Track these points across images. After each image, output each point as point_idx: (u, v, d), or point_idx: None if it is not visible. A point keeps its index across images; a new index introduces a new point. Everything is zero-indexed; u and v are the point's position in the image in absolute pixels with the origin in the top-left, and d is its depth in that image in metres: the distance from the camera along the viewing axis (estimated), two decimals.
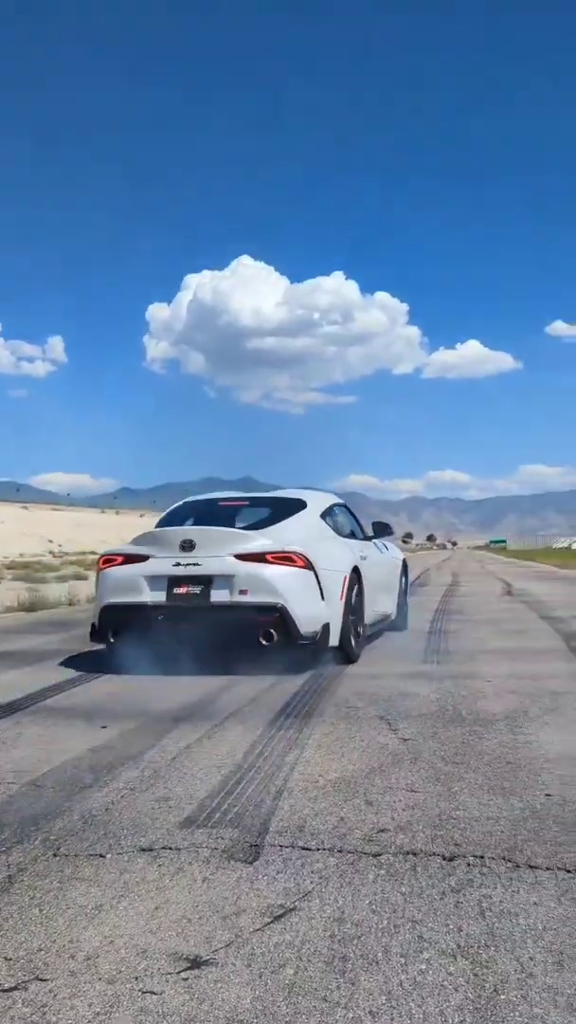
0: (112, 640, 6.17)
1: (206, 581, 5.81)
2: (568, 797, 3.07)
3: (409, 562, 10.20)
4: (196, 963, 1.89)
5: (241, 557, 5.79)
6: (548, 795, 3.10)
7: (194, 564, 5.81)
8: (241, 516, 7.15)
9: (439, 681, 5.59)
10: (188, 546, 5.83)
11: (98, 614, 6.29)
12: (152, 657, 5.82)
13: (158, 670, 5.83)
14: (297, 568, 5.79)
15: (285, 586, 5.72)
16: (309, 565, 5.83)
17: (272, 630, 5.66)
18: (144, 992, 1.77)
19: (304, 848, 2.59)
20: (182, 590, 5.86)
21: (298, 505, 6.81)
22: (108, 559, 6.34)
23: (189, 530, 6.26)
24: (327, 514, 6.99)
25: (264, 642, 5.68)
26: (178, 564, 5.84)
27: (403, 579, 9.03)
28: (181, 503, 7.65)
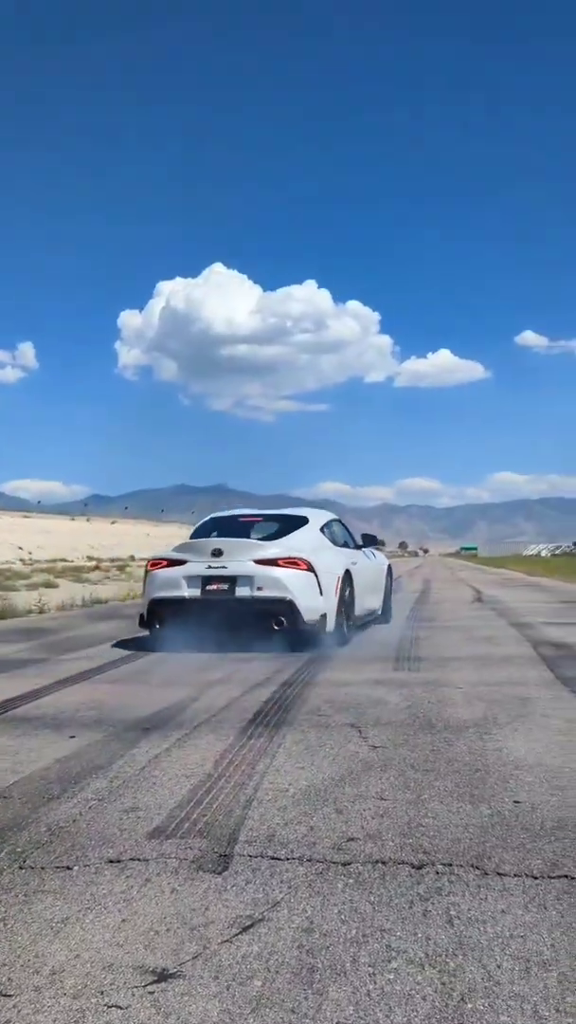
0: (157, 626, 7.82)
1: (232, 580, 7.44)
2: (536, 804, 3.09)
3: None
4: (163, 976, 1.87)
5: (258, 562, 7.45)
6: (516, 802, 3.12)
7: (222, 567, 7.46)
8: (256, 529, 8.94)
9: (409, 688, 5.61)
10: (217, 553, 7.54)
11: (146, 606, 7.92)
12: (187, 638, 7.39)
13: (193, 649, 7.33)
14: (301, 571, 7.41)
15: (292, 584, 7.32)
16: (311, 568, 7.45)
17: (282, 618, 7.28)
18: (109, 1006, 1.75)
19: (273, 858, 2.58)
20: (213, 587, 7.49)
21: (301, 521, 8.57)
22: (155, 563, 8.03)
23: (218, 541, 7.94)
24: (325, 528, 8.70)
25: (276, 627, 7.29)
26: (210, 567, 7.51)
27: (388, 581, 10.60)
28: (208, 519, 9.41)
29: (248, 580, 7.42)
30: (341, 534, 9.30)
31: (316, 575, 7.50)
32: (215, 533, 8.73)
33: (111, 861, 2.58)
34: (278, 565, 7.45)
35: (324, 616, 7.52)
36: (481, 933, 2.06)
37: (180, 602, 7.60)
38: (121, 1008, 1.74)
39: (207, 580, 7.54)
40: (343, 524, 9.54)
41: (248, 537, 8.51)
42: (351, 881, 2.39)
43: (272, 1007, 1.74)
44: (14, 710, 5.10)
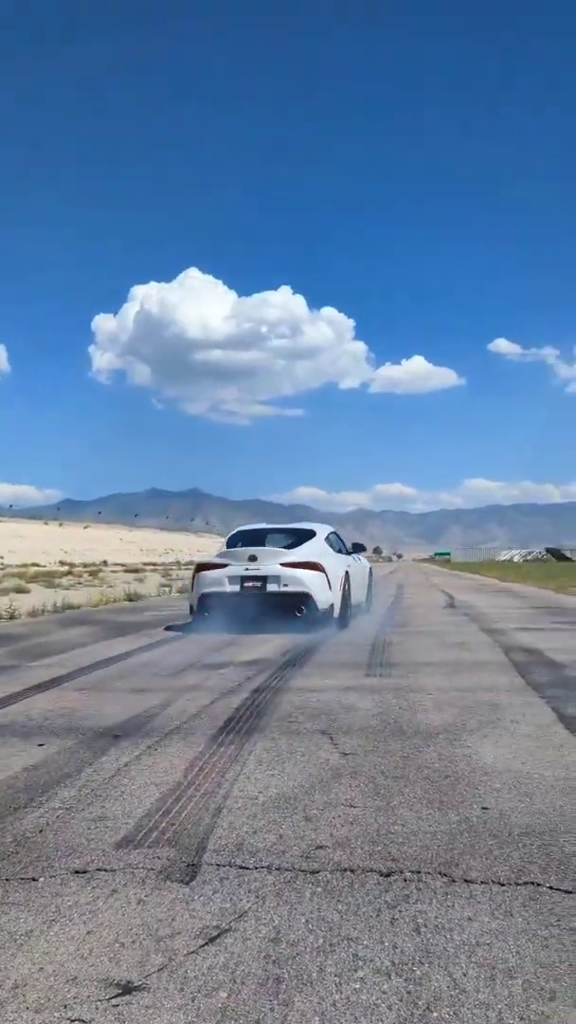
0: (206, 614, 10.03)
1: (264, 579, 9.81)
2: (504, 810, 3.11)
3: None
4: (128, 989, 1.85)
5: (284, 564, 9.83)
6: (485, 808, 3.13)
7: (256, 569, 9.83)
8: (270, 540, 11.18)
9: (381, 694, 5.62)
10: (252, 559, 9.93)
11: (197, 599, 10.17)
12: (229, 623, 9.71)
13: (235, 631, 9.58)
14: (316, 572, 9.81)
15: (310, 582, 9.70)
16: (322, 569, 9.86)
17: (303, 607, 9.65)
18: (73, 1020, 1.73)
19: (242, 867, 2.57)
20: (249, 584, 9.85)
21: (311, 533, 11.03)
22: (202, 566, 10.36)
23: (253, 549, 10.18)
24: (327, 539, 11.21)
25: (298, 614, 9.62)
26: (247, 569, 9.85)
27: (370, 580, 13.52)
28: (236, 531, 11.88)
29: (276, 579, 9.80)
30: (337, 543, 11.73)
31: (326, 575, 9.92)
32: (240, 543, 11.10)
33: (77, 872, 2.55)
34: (299, 567, 9.86)
35: (332, 606, 10.02)
36: (448, 941, 2.07)
37: (224, 596, 9.96)
38: (84, 1022, 1.72)
39: (245, 579, 9.89)
40: (338, 535, 12.01)
41: (264, 545, 10.72)
42: (319, 890, 2.39)
43: (237, 1018, 1.73)
44: None
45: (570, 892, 2.36)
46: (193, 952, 2.02)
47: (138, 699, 5.53)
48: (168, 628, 10.91)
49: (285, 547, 10.58)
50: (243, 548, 10.46)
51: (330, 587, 9.94)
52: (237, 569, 9.96)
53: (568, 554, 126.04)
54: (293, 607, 9.74)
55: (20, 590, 21.00)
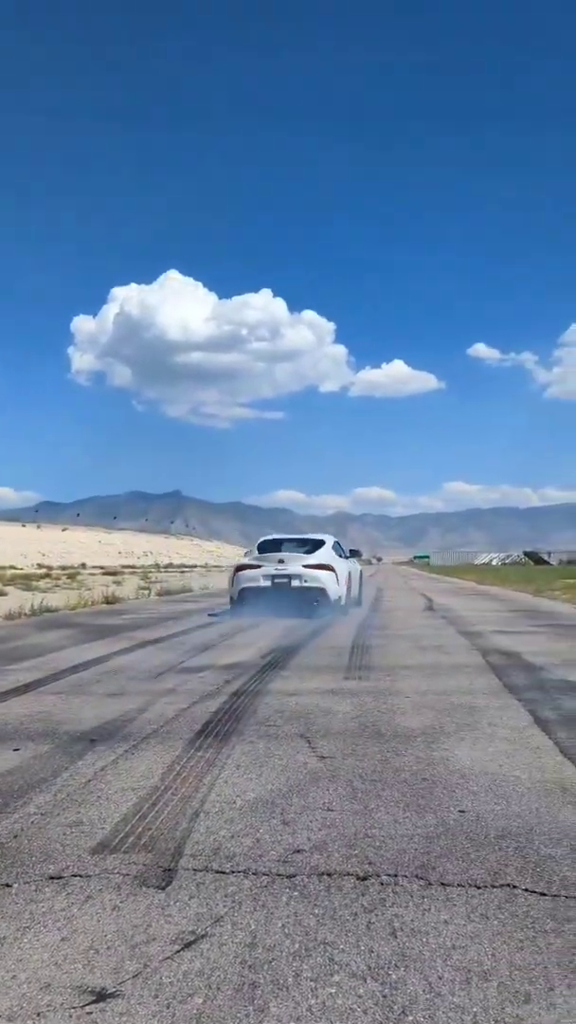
0: (244, 603, 12.66)
1: (289, 577, 12.52)
2: (481, 813, 3.12)
3: None
4: (101, 996, 1.84)
5: (305, 566, 12.58)
6: (462, 811, 3.14)
7: (284, 569, 12.59)
8: (286, 547, 13.68)
9: (359, 697, 5.63)
10: (281, 562, 12.71)
11: (238, 592, 12.82)
12: (261, 610, 12.18)
13: (267, 616, 11.92)
14: (329, 571, 12.66)
15: (324, 580, 12.49)
16: (333, 570, 12.76)
17: (319, 598, 12.36)
18: None
19: (218, 871, 2.56)
20: (279, 581, 12.54)
21: (321, 543, 13.80)
22: (240, 567, 13.19)
23: (282, 555, 13.00)
24: (333, 546, 13.98)
25: (314, 604, 12.25)
26: (276, 569, 12.60)
27: (360, 579, 16.42)
28: (261, 540, 14.27)
29: (299, 577, 12.59)
30: (339, 549, 14.62)
31: (336, 575, 12.88)
32: (269, 549, 13.74)
33: (52, 878, 2.53)
34: (316, 568, 12.72)
35: (340, 597, 12.92)
36: (423, 944, 2.07)
37: (259, 589, 12.72)
38: None
39: (275, 577, 12.67)
40: (339, 543, 14.90)
41: (270, 553, 13.34)
42: (296, 894, 2.39)
43: None
44: None
45: (545, 894, 2.37)
46: (168, 958, 2.01)
47: (116, 703, 5.49)
48: (211, 615, 13.70)
49: (303, 553, 13.38)
50: (272, 553, 13.36)
51: (338, 583, 12.96)
52: (269, 569, 12.84)
53: (546, 557, 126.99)
54: (312, 598, 12.52)
55: None
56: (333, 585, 12.68)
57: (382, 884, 2.45)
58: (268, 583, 12.65)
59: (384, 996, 1.83)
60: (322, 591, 12.51)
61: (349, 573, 13.72)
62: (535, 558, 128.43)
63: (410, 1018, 1.74)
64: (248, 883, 2.47)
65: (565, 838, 2.85)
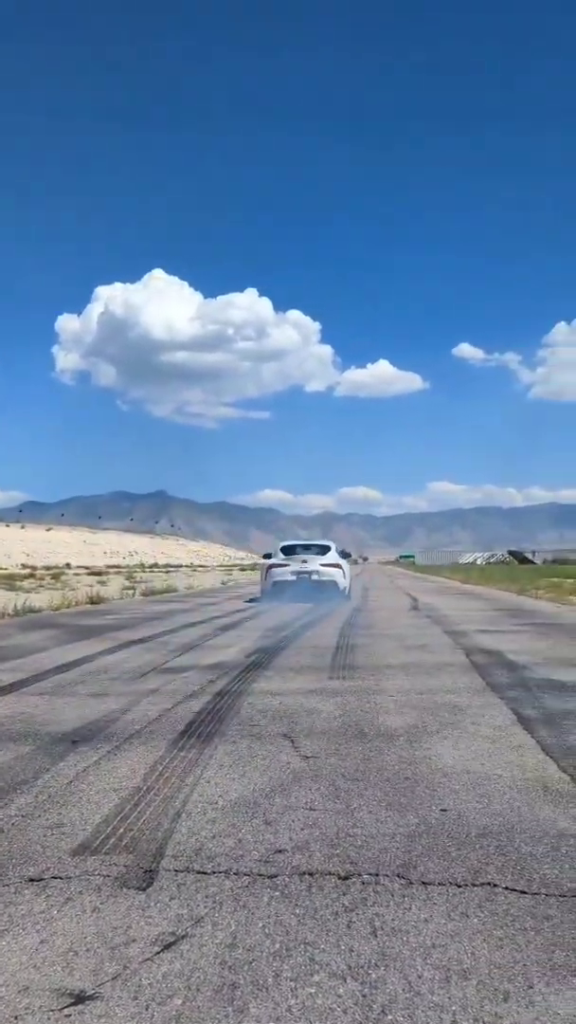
0: (276, 593, 16.74)
1: (309, 573, 17.04)
2: (462, 812, 3.13)
3: None
4: (80, 998, 1.83)
5: (322, 565, 17.28)
6: (443, 810, 3.15)
7: (306, 566, 17.13)
8: (308, 550, 18.09)
9: (343, 696, 5.64)
10: (303, 561, 17.29)
11: (271, 584, 17.08)
12: (288, 598, 16.28)
13: (292, 602, 15.72)
14: (338, 568, 17.47)
15: (335, 575, 17.24)
16: (340, 567, 17.66)
17: (331, 589, 16.91)
18: None
19: (200, 872, 2.55)
20: (302, 575, 16.96)
21: (328, 548, 18.57)
22: (272, 566, 17.54)
23: (302, 555, 17.56)
24: (336, 550, 18.58)
25: (328, 592, 16.67)
26: (300, 567, 17.12)
27: (350, 574, 19.65)
28: (285, 544, 18.60)
29: (317, 573, 17.07)
30: (340, 552, 19.01)
31: (343, 571, 17.64)
32: (291, 552, 18.16)
33: (32, 880, 2.51)
34: (329, 567, 17.34)
35: (345, 588, 17.53)
36: (404, 943, 2.07)
37: (287, 582, 17.06)
38: None
39: (299, 573, 17.06)
40: (340, 548, 19.47)
41: (293, 555, 17.91)
42: (277, 894, 2.38)
43: None
44: None
45: (525, 892, 2.38)
46: (148, 960, 2.00)
47: (99, 704, 5.47)
48: (249, 601, 18.02)
49: (317, 555, 18.05)
50: (294, 555, 17.97)
51: (344, 578, 17.80)
52: (294, 567, 17.40)
53: (530, 556, 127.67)
54: (326, 588, 17.10)
55: None
56: (341, 579, 17.54)
57: (363, 883, 2.45)
58: (294, 577, 17.23)
59: (364, 996, 1.83)
60: (334, 583, 17.30)
61: (348, 569, 18.71)
62: (519, 557, 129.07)
63: (389, 1017, 1.74)
64: (229, 884, 2.46)
65: (546, 836, 2.86)
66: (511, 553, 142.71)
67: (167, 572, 53.83)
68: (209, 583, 34.07)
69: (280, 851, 2.73)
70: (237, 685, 6.19)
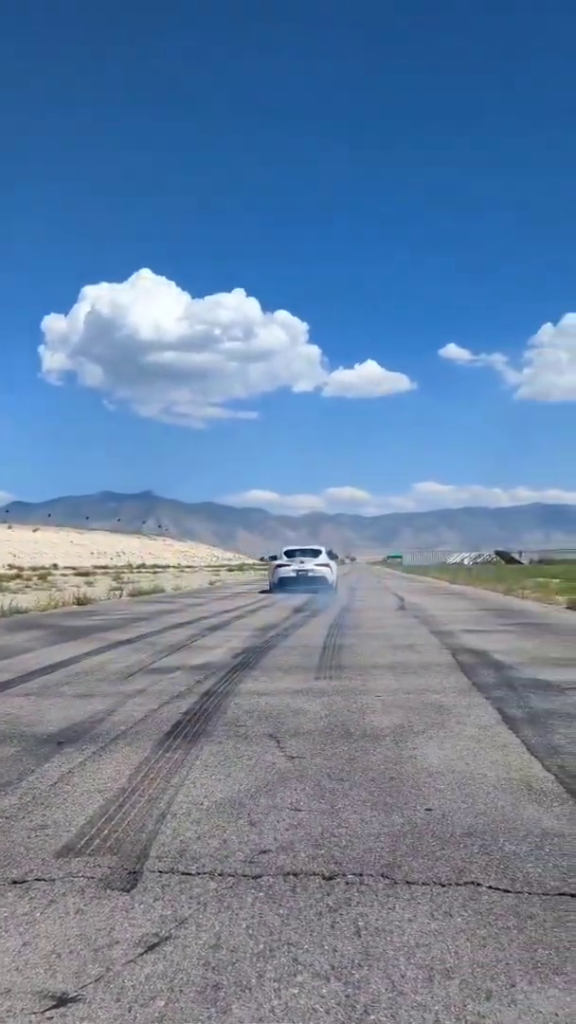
0: (280, 585, 22.97)
1: (306, 570, 23.36)
2: (447, 811, 3.14)
3: None
4: (63, 1000, 1.82)
5: (315, 564, 23.67)
6: (428, 810, 3.16)
7: (302, 565, 23.55)
8: (305, 554, 24.44)
9: (329, 697, 5.64)
10: (301, 562, 23.79)
11: (277, 579, 23.34)
12: (289, 588, 22.60)
13: (293, 592, 21.74)
14: (327, 567, 23.75)
15: (325, 572, 23.37)
16: (329, 566, 24.00)
17: (322, 582, 22.95)
18: None
19: (184, 873, 2.55)
20: (301, 572, 23.24)
21: (319, 551, 24.98)
22: (278, 565, 23.96)
23: (300, 557, 24.15)
24: (326, 551, 25.32)
25: (320, 585, 22.73)
26: (298, 566, 23.53)
27: (336, 571, 25.43)
28: (288, 549, 25.19)
29: (312, 570, 22.93)
30: (329, 553, 24.75)
31: (331, 568, 23.62)
32: (292, 554, 24.05)
33: (15, 882, 2.50)
34: (320, 566, 23.19)
35: (332, 582, 23.22)
36: (387, 943, 2.08)
37: (289, 576, 22.79)
38: None
39: (298, 570, 22.90)
40: (328, 550, 25.33)
41: (294, 557, 23.74)
42: (261, 895, 2.38)
43: None
44: None
45: (508, 891, 2.39)
46: (131, 961, 1.99)
47: (84, 704, 5.45)
48: (261, 592, 23.45)
49: (311, 556, 23.79)
50: (294, 557, 23.80)
51: (332, 574, 23.30)
52: (294, 566, 23.14)
53: (517, 557, 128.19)
54: (317, 582, 22.48)
55: None
56: (329, 575, 23.15)
57: (347, 883, 2.46)
58: (294, 574, 23.02)
59: (347, 996, 1.83)
60: (323, 578, 22.85)
61: (335, 568, 24.68)
62: (506, 557, 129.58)
63: (372, 1017, 1.75)
64: (213, 884, 2.46)
65: (529, 835, 2.87)
66: (498, 553, 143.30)
67: (154, 573, 53.71)
68: (196, 584, 34.03)
69: (265, 852, 2.72)
70: (224, 685, 6.18)
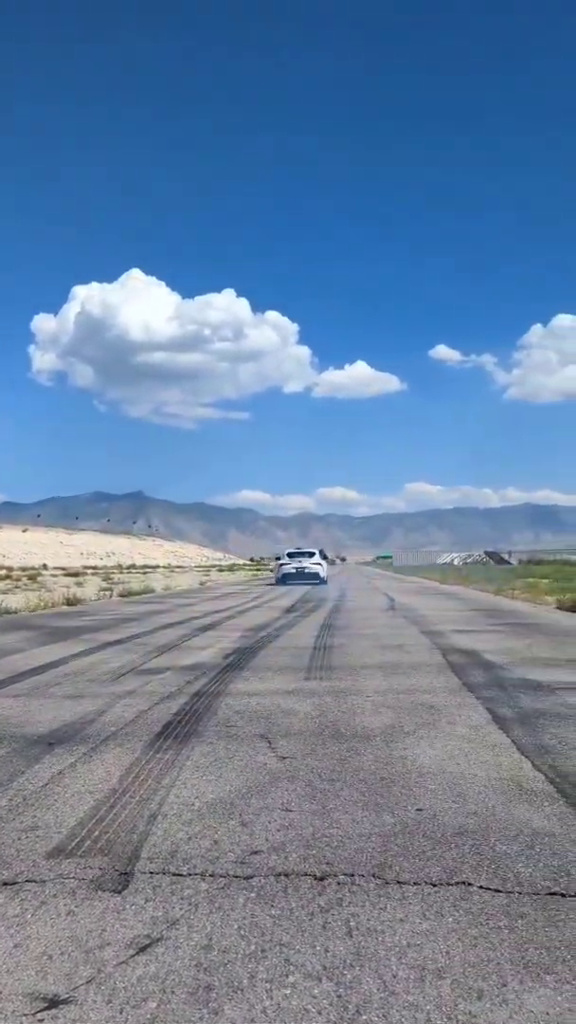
0: (283, 580, 32.65)
1: (304, 567, 33.05)
2: (438, 811, 3.15)
3: None
4: (54, 1002, 1.82)
5: (310, 563, 33.68)
6: (419, 810, 3.17)
7: (301, 563, 33.49)
8: (303, 555, 34.81)
9: (320, 697, 5.64)
10: (299, 561, 33.90)
11: (281, 574, 33.18)
12: (291, 583, 31.79)
13: (293, 584, 30.74)
14: (320, 565, 33.81)
15: (319, 569, 33.15)
16: (322, 564, 34.22)
17: (316, 577, 32.46)
18: None
19: (175, 874, 2.55)
20: (299, 569, 32.98)
21: (314, 553, 35.51)
22: (282, 564, 34.36)
23: (299, 557, 34.60)
24: (319, 552, 36.99)
25: (314, 580, 32.12)
26: (297, 564, 33.44)
27: (327, 569, 36.45)
28: (288, 551, 35.99)
29: (309, 567, 32.52)
30: (321, 552, 36.91)
31: (323, 566, 33.64)
32: (293, 555, 34.61)
33: (6, 884, 2.49)
34: (315, 564, 32.91)
35: (324, 577, 32.61)
36: (379, 943, 2.08)
37: (290, 573, 32.39)
38: None
39: (297, 567, 32.52)
40: (321, 551, 37.56)
41: (294, 557, 33.97)
42: (253, 895, 2.38)
43: None
44: None
45: (499, 891, 2.40)
46: (123, 963, 1.99)
47: (75, 705, 5.44)
48: (267, 585, 30.16)
49: (308, 556, 33.16)
50: (294, 557, 33.27)
51: (324, 571, 32.52)
52: (294, 564, 32.34)
53: (506, 557, 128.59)
54: (312, 577, 31.31)
55: None
56: (322, 571, 31.42)
57: (339, 884, 2.46)
58: (294, 570, 31.44)
59: (339, 996, 1.83)
60: (317, 574, 31.24)
61: (326, 566, 32.43)
62: (496, 558, 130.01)
63: (364, 1017, 1.75)
64: (205, 885, 2.46)
65: (520, 835, 2.88)
66: (488, 554, 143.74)
67: (144, 573, 53.60)
68: (187, 584, 34.01)
69: (256, 852, 2.72)
70: (214, 686, 6.17)
